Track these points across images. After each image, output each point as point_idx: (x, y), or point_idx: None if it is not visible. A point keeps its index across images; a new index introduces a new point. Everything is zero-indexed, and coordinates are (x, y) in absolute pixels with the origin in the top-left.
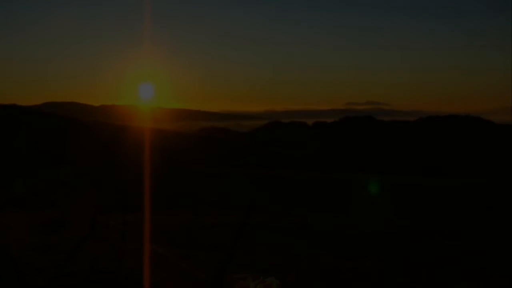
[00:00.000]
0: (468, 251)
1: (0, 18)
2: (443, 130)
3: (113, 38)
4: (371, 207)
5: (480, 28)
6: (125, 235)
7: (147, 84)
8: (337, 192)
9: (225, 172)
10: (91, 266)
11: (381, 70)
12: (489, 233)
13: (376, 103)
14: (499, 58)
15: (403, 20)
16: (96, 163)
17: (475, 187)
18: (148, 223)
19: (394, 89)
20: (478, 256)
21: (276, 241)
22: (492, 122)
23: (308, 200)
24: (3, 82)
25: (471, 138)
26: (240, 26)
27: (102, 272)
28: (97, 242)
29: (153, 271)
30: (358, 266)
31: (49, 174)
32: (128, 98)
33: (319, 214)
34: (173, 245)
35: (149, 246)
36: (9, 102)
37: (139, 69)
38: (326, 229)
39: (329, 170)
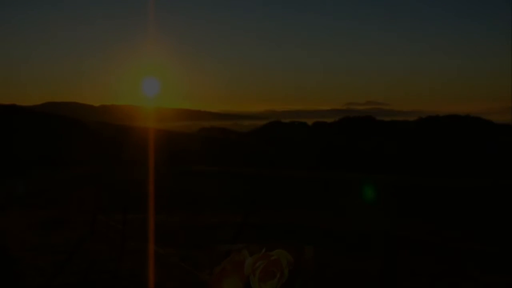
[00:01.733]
0: (468, 251)
1: None
2: (443, 130)
3: (113, 38)
4: (370, 207)
5: (480, 28)
6: (125, 235)
7: (147, 85)
8: (337, 192)
9: (225, 172)
10: (91, 266)
11: (381, 70)
12: (489, 233)
13: (376, 103)
14: (499, 58)
15: (403, 20)
16: (96, 163)
17: (474, 187)
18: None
19: (394, 89)
20: (479, 256)
21: (275, 241)
22: (492, 122)
23: (308, 200)
24: (3, 82)
25: (471, 138)
26: (240, 26)
27: (102, 272)
28: (97, 242)
29: (153, 271)
30: (358, 266)
31: (49, 174)
32: (128, 98)
33: (318, 214)
34: (173, 245)
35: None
36: (8, 102)
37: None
38: (325, 229)
39: (329, 170)
